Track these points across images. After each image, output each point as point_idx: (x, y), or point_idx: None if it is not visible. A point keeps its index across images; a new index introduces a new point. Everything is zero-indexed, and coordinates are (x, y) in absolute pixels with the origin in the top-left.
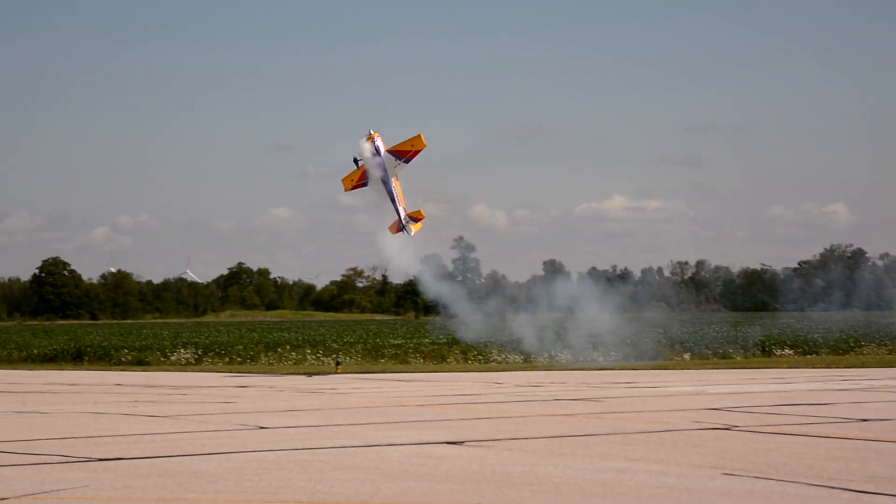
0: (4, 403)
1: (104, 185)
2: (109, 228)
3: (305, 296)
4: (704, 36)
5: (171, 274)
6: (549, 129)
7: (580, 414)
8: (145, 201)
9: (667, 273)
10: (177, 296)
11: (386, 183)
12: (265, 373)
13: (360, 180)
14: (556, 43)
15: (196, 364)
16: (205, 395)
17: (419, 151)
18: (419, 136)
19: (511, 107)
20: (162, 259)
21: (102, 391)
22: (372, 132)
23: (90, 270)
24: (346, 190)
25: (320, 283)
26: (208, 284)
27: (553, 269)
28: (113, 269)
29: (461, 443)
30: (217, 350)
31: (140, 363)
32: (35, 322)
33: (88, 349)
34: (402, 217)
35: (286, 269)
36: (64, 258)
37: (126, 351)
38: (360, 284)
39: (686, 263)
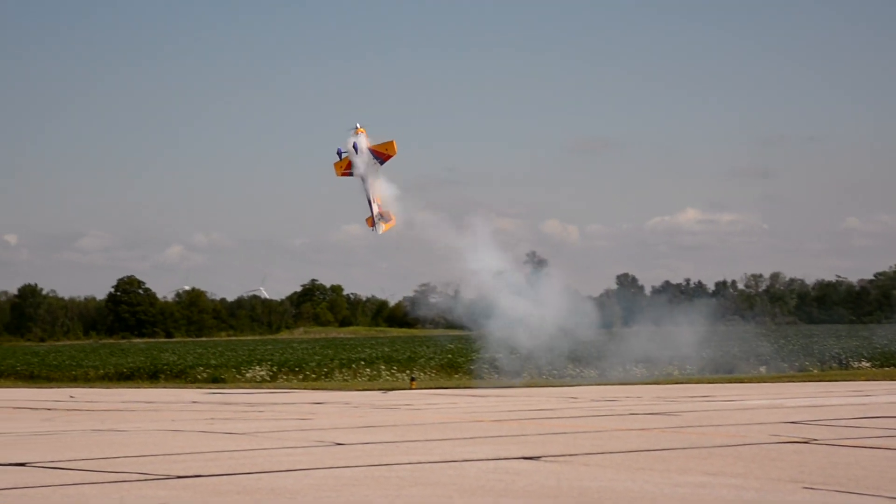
0: (83, 422)
1: (178, 203)
2: (183, 247)
3: (378, 312)
4: (776, 47)
5: (245, 291)
6: (620, 142)
7: (656, 428)
8: (219, 219)
9: (741, 286)
10: (251, 313)
11: (363, 178)
12: (340, 389)
13: (347, 168)
14: (627, 56)
15: (271, 381)
16: (281, 412)
17: (391, 157)
18: (392, 142)
19: (582, 121)
20: (236, 277)
21: (179, 409)
22: (358, 126)
23: (165, 289)
24: (336, 175)
25: (393, 298)
26: (282, 301)
27: (626, 283)
28: (187, 287)
29: (538, 458)
30: (292, 367)
31: (215, 380)
32: (111, 340)
33: (164, 367)
34: (374, 214)
35: (359, 285)
36: (139, 277)
37: (201, 368)
38: (432, 300)
39: (760, 276)
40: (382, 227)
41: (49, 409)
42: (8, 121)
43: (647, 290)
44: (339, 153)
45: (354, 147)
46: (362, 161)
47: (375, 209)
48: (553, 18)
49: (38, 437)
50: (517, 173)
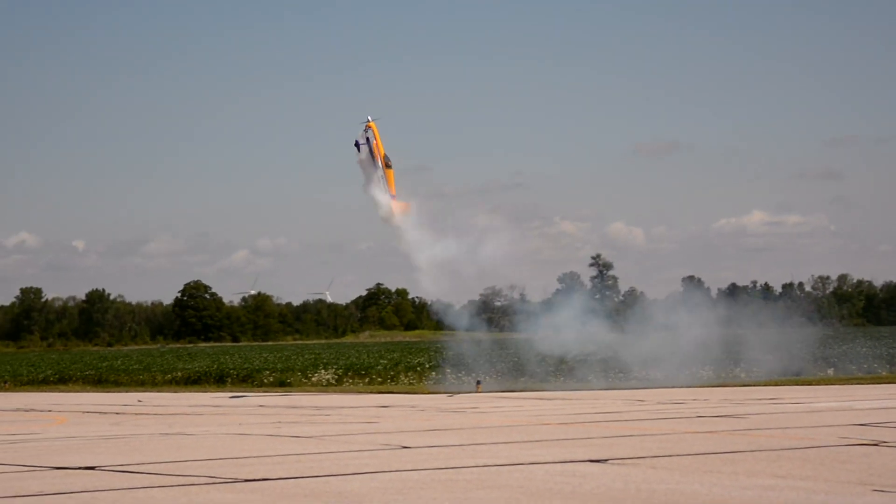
0: (151, 425)
1: (244, 208)
2: (249, 251)
3: (444, 315)
4: (843, 46)
5: (310, 295)
6: (686, 144)
7: (724, 431)
8: (284, 224)
9: (808, 288)
10: (316, 317)
11: (376, 167)
12: (406, 392)
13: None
14: (692, 59)
15: (337, 385)
16: (347, 416)
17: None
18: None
19: (648, 124)
20: (301, 281)
21: (246, 412)
22: (370, 119)
23: (231, 293)
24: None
25: (458, 301)
26: (347, 306)
27: (692, 285)
28: (253, 292)
29: (605, 461)
30: (357, 370)
31: (282, 384)
32: (178, 345)
33: (231, 371)
34: (388, 206)
35: (424, 288)
36: (205, 281)
37: (268, 372)
38: (497, 304)
39: (828, 278)
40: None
41: (118, 413)
42: (76, 129)
43: (714, 293)
44: (357, 145)
45: (367, 140)
46: (368, 153)
47: (388, 198)
48: (618, 23)
49: (107, 440)
50: (583, 177)
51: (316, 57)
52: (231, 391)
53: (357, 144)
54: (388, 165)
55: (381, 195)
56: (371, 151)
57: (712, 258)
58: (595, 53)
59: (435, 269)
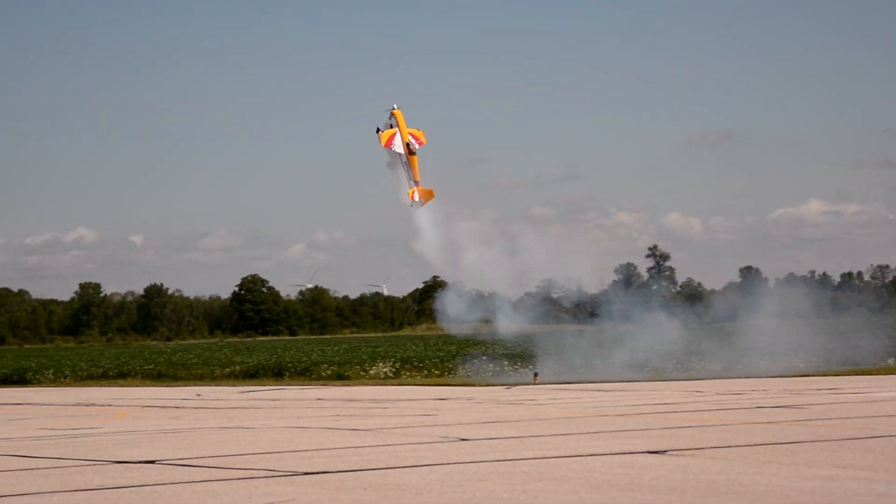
0: (210, 419)
1: (300, 202)
2: (305, 245)
3: (500, 307)
4: None
5: (367, 288)
6: (742, 134)
7: (783, 421)
8: (340, 217)
9: (867, 277)
10: (373, 310)
11: (401, 154)
12: (463, 385)
13: (389, 142)
14: (748, 48)
15: (394, 377)
16: (405, 408)
17: (422, 143)
18: (421, 131)
19: (704, 114)
20: (358, 274)
21: (304, 406)
22: (395, 107)
23: (288, 287)
24: (381, 144)
25: (514, 294)
26: (404, 298)
27: (750, 275)
28: (310, 285)
29: (664, 452)
30: (415, 363)
31: (340, 377)
32: (236, 339)
33: (289, 365)
34: (413, 189)
35: (480, 280)
36: (262, 275)
37: (325, 366)
38: (554, 295)
39: (887, 267)
40: (423, 202)
41: (177, 408)
42: (133, 125)
43: (771, 283)
44: (379, 131)
45: (390, 126)
46: (400, 141)
47: (412, 185)
48: (673, 12)
49: (167, 434)
50: (638, 168)
51: (369, 48)
52: (289, 385)
53: (379, 131)
54: (411, 152)
55: (406, 181)
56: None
57: (770, 248)
58: (650, 43)
59: (448, 254)
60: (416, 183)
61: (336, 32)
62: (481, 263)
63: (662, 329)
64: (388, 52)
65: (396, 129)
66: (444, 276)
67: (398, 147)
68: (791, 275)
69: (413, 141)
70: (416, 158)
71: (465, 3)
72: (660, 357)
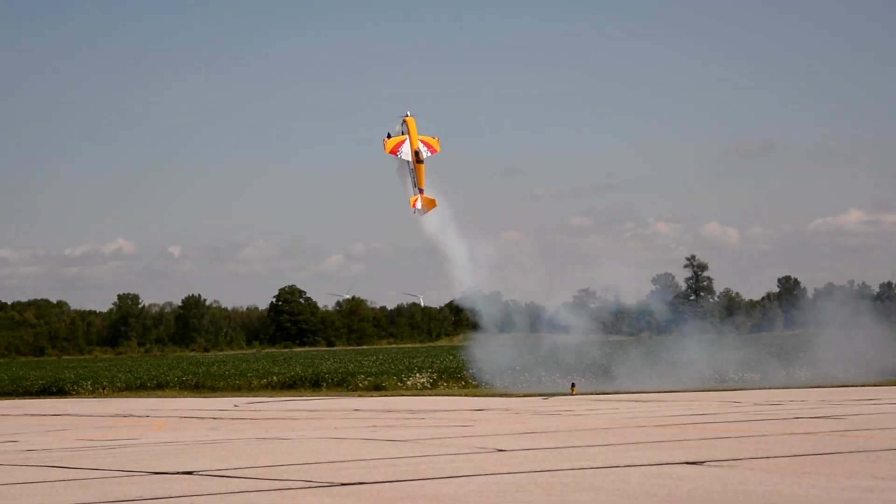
0: (248, 430)
1: (337, 213)
2: (343, 256)
3: (537, 318)
4: None
5: (404, 297)
6: (780, 144)
7: (822, 432)
8: (378, 228)
9: None
10: (410, 321)
11: (409, 162)
12: (501, 395)
13: (395, 149)
14: (784, 58)
15: (432, 388)
16: (442, 419)
17: (436, 151)
18: (436, 139)
19: (742, 123)
20: (394, 285)
21: (341, 416)
22: (408, 115)
23: (325, 296)
24: (385, 150)
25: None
26: (441, 309)
27: (788, 285)
28: (347, 295)
29: (702, 463)
30: (452, 374)
31: (377, 388)
32: (273, 349)
33: (326, 375)
34: (417, 197)
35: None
36: (300, 286)
37: (363, 376)
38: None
39: None
40: (425, 210)
41: (214, 418)
42: (172, 136)
43: (810, 293)
44: (389, 136)
45: (401, 132)
46: (409, 148)
47: (416, 192)
48: (712, 21)
49: (205, 445)
50: (677, 178)
51: (409, 58)
52: (326, 395)
53: (389, 136)
54: (419, 160)
55: (410, 188)
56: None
57: (808, 258)
58: (689, 53)
59: (451, 261)
60: (421, 191)
61: (376, 41)
62: (518, 273)
63: (700, 339)
64: (427, 61)
65: (406, 136)
66: (480, 287)
67: (405, 155)
68: (830, 284)
69: (424, 149)
70: (423, 167)
71: (505, 13)
72: (698, 367)
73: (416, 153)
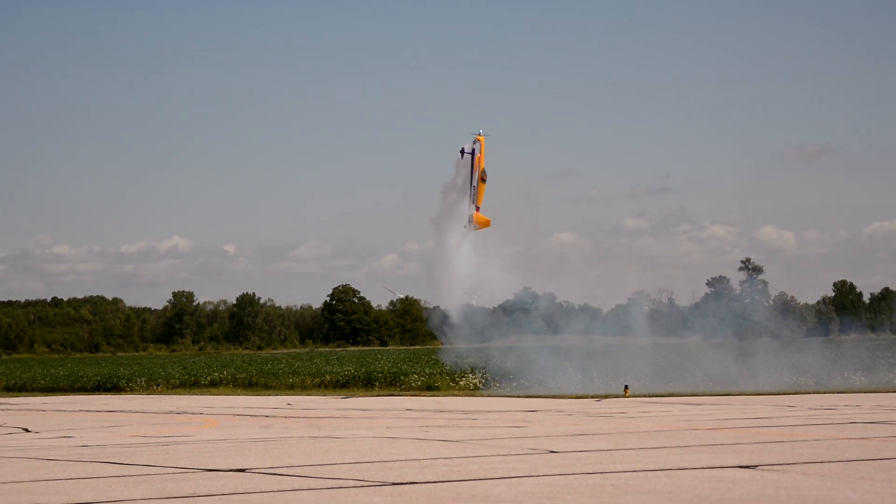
0: (301, 429)
1: (391, 213)
2: (397, 255)
3: (591, 320)
4: None
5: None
6: (837, 147)
7: (877, 437)
8: (431, 228)
9: None
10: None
11: (470, 180)
12: (553, 397)
13: (478, 163)
14: (842, 61)
15: (484, 388)
16: (494, 420)
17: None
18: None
19: (799, 126)
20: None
21: (394, 416)
22: (481, 133)
23: (379, 297)
24: (474, 161)
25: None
26: (494, 310)
27: (844, 290)
28: (401, 296)
29: (755, 467)
30: (504, 375)
31: (429, 388)
32: (326, 348)
33: (378, 375)
34: (470, 215)
35: (571, 293)
36: (353, 285)
37: (415, 376)
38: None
39: None
40: (477, 227)
41: (267, 417)
42: (228, 135)
43: (866, 297)
44: (462, 152)
45: (472, 152)
46: (467, 165)
47: (472, 211)
48: (768, 25)
49: (257, 443)
50: (732, 180)
51: (461, 61)
52: (379, 395)
53: (462, 151)
54: (482, 179)
55: (467, 204)
56: (472, 162)
57: (865, 262)
58: (746, 55)
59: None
60: (477, 209)
61: (430, 46)
62: (570, 275)
63: (754, 343)
64: (478, 63)
65: (479, 155)
66: (534, 288)
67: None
68: (886, 289)
69: (486, 170)
70: (484, 186)
71: (558, 15)
72: (753, 371)
73: (483, 172)
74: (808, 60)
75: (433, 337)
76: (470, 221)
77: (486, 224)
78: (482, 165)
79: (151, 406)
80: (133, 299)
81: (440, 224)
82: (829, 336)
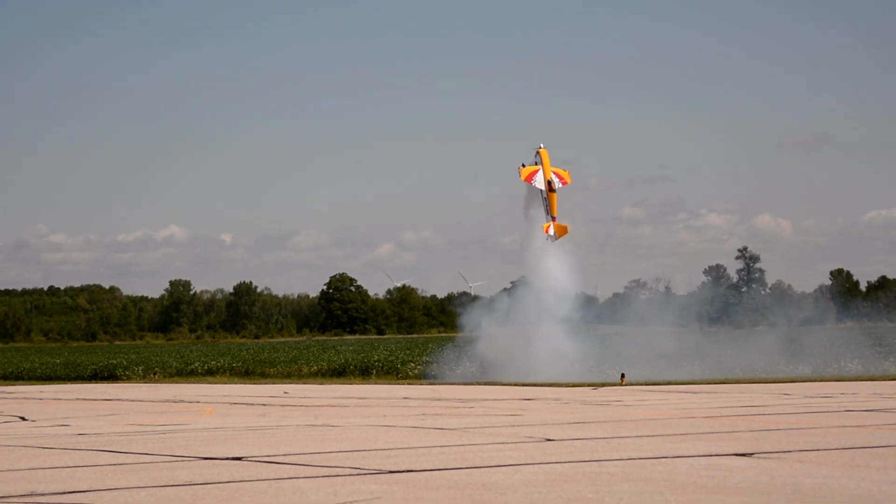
0: (297, 417)
1: (388, 202)
2: (394, 245)
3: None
4: None
5: (455, 288)
6: (835, 136)
7: (873, 425)
8: (428, 217)
9: None
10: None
11: (542, 191)
12: (550, 385)
13: (529, 178)
14: (838, 50)
15: (481, 377)
16: (491, 408)
17: (567, 183)
18: (567, 172)
19: (797, 115)
20: (445, 274)
21: (390, 404)
22: (542, 146)
23: (376, 286)
24: (521, 177)
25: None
26: (492, 298)
27: (840, 278)
28: (398, 284)
29: (751, 454)
30: (500, 363)
31: (426, 377)
32: (323, 337)
33: (376, 363)
34: (549, 224)
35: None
36: (350, 274)
37: (412, 364)
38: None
39: None
40: (557, 237)
41: (264, 405)
42: (223, 124)
43: (863, 286)
44: (524, 167)
45: (535, 163)
46: (542, 178)
47: (551, 221)
48: (765, 14)
49: (254, 431)
50: (729, 169)
51: (457, 52)
52: (376, 383)
53: (524, 166)
54: (551, 189)
55: (544, 216)
56: (540, 175)
57: (861, 251)
58: (741, 45)
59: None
60: (553, 219)
61: (423, 37)
62: (568, 263)
63: (751, 330)
64: (473, 54)
65: (540, 167)
66: (531, 277)
67: (539, 184)
68: (883, 278)
69: (556, 179)
70: (555, 196)
71: (553, 5)
72: (749, 359)
73: (549, 182)
74: (805, 50)
75: (430, 325)
76: (550, 233)
77: (565, 231)
78: (548, 176)
79: (148, 394)
80: (130, 288)
81: (525, 240)
82: (826, 324)
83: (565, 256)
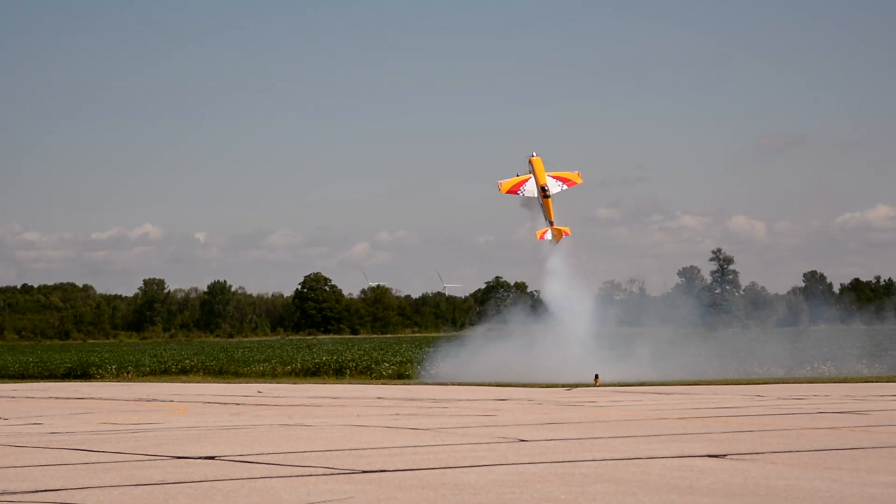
0: (270, 416)
1: (363, 202)
2: (369, 245)
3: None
4: None
5: (429, 289)
6: (809, 138)
7: (845, 427)
8: (403, 217)
9: None
10: (435, 310)
11: (537, 197)
12: (524, 386)
13: (513, 189)
14: (815, 52)
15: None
16: (465, 408)
17: (576, 184)
18: (576, 172)
19: (770, 118)
20: (420, 274)
21: (364, 404)
22: (534, 154)
23: (350, 286)
24: (500, 192)
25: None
26: (466, 299)
27: (814, 280)
28: (373, 284)
29: (723, 456)
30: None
31: (400, 377)
32: (298, 336)
33: (350, 363)
34: (546, 230)
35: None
36: (325, 274)
37: (386, 364)
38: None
39: None
40: (556, 241)
41: (237, 404)
42: (198, 124)
43: (836, 288)
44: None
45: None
46: (534, 185)
47: (550, 226)
48: (741, 16)
49: (227, 431)
50: (705, 171)
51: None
52: (349, 383)
53: (517, 176)
54: (546, 196)
55: (542, 223)
56: (533, 183)
57: (835, 253)
58: (717, 47)
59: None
60: (551, 223)
61: (406, 37)
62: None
63: (724, 332)
64: (452, 54)
65: (530, 175)
66: (506, 278)
67: (530, 192)
68: (856, 280)
69: (557, 183)
70: (550, 201)
71: (530, 4)
72: (722, 361)
73: (543, 188)
74: (783, 52)
75: (404, 325)
76: (548, 238)
77: (564, 234)
78: (542, 182)
79: (121, 393)
80: (104, 286)
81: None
82: (799, 326)
83: (568, 258)
